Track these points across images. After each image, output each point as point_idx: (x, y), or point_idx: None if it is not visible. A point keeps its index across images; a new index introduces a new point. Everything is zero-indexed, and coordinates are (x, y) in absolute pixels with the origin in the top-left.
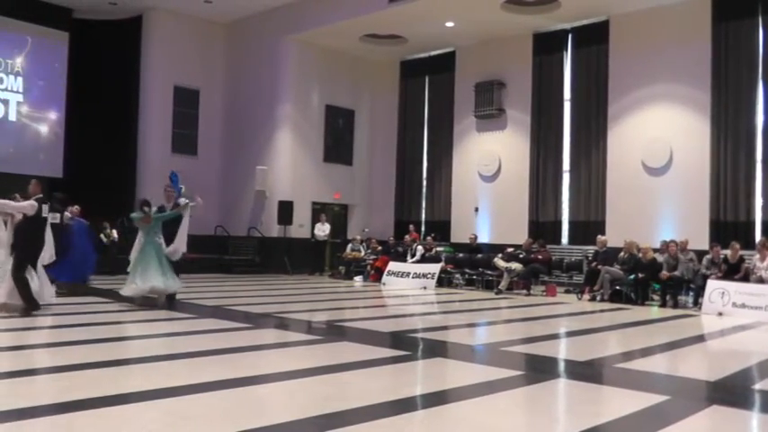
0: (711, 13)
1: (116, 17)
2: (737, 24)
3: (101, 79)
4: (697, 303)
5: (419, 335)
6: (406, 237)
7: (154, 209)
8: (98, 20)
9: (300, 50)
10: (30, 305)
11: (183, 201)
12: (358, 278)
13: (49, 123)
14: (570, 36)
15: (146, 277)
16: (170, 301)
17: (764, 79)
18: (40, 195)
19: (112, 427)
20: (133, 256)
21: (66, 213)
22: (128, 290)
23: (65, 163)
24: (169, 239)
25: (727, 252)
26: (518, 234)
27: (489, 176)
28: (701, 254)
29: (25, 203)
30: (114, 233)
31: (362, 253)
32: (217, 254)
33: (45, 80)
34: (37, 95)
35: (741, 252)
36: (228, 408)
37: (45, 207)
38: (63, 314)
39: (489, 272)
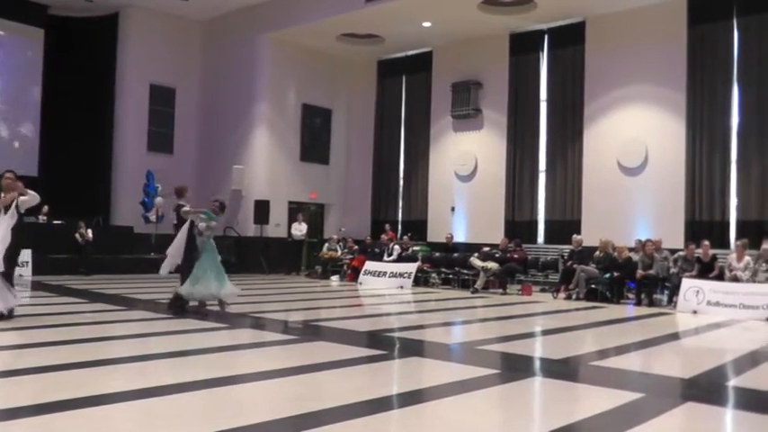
0: (687, 14)
1: (92, 14)
2: (713, 26)
3: (76, 77)
4: (672, 302)
5: (395, 334)
6: (383, 236)
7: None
8: (74, 17)
9: (277, 49)
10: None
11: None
12: (335, 278)
13: (23, 121)
14: (546, 37)
15: (220, 281)
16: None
17: (739, 80)
18: None
19: (90, 427)
20: (174, 255)
21: None
22: (197, 294)
23: (39, 161)
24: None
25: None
26: (494, 233)
27: (466, 176)
28: (676, 253)
29: (34, 193)
30: (89, 233)
31: (339, 252)
32: None
33: (19, 77)
34: (11, 92)
35: (714, 251)
36: (205, 408)
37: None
38: (39, 315)
39: (465, 271)
